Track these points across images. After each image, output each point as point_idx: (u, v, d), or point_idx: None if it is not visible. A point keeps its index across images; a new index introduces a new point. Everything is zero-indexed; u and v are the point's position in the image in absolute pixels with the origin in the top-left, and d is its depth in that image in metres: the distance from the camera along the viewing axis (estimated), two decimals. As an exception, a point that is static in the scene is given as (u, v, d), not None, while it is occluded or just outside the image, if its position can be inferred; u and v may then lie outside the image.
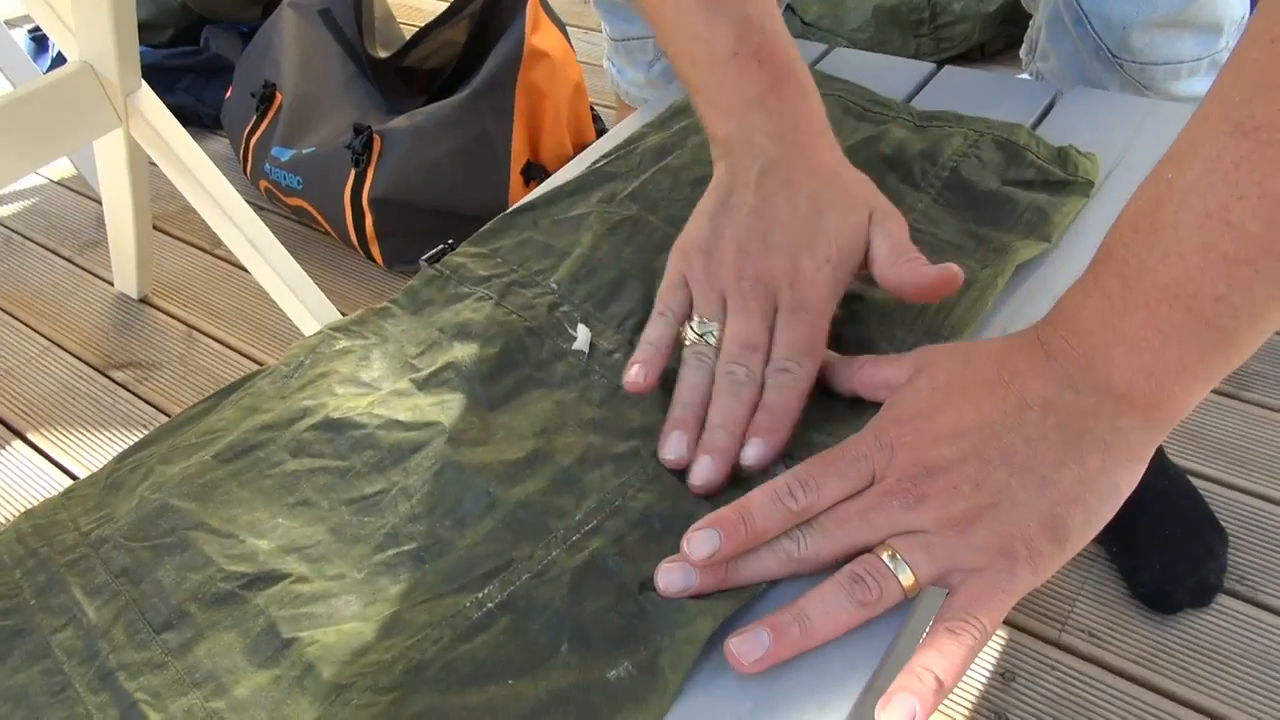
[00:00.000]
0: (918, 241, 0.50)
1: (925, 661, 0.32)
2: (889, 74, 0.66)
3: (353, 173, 1.23)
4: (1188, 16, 0.61)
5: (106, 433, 1.16)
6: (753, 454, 0.39)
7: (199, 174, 0.92)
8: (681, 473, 0.40)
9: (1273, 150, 0.29)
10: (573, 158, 1.27)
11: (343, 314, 0.98)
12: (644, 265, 0.50)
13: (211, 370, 1.24)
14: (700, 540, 0.35)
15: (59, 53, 1.80)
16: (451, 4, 1.32)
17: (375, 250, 1.27)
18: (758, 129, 0.45)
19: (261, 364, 1.23)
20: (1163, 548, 0.84)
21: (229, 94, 1.54)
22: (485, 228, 0.56)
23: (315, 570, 0.37)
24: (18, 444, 1.17)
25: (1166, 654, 0.80)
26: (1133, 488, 0.35)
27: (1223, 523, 0.88)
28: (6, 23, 1.31)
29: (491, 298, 0.50)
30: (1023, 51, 0.77)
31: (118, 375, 1.25)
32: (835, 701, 0.32)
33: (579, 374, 0.45)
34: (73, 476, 1.11)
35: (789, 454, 0.40)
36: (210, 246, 1.45)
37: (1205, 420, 1.00)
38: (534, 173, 1.21)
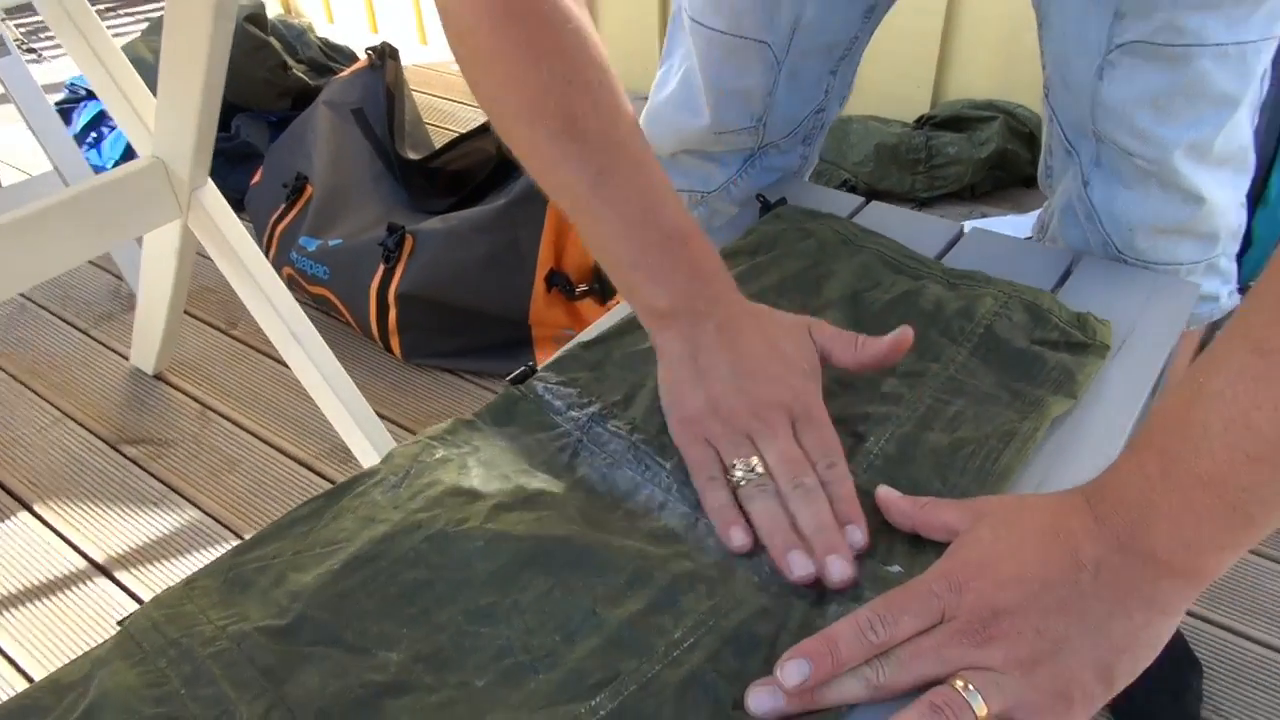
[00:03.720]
0: (957, 389, 0.56)
1: None
2: (920, 230, 0.74)
3: (382, 267, 1.28)
4: (1190, 226, 0.69)
5: (117, 508, 1.17)
6: (857, 538, 0.46)
7: (251, 267, 0.96)
8: (763, 593, 0.44)
9: None
10: (594, 267, 1.34)
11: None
12: None
13: (224, 450, 1.26)
14: (793, 669, 0.39)
15: (83, 127, 1.85)
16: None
17: (395, 343, 1.32)
18: (698, 296, 0.52)
19: (274, 446, 1.25)
20: (1145, 678, 0.89)
21: (256, 180, 1.60)
22: (562, 354, 0.61)
23: (439, 679, 0.41)
24: (24, 515, 1.18)
25: (1156, 783, 0.84)
26: (1170, 636, 0.40)
27: (1197, 655, 0.93)
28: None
29: (575, 431, 0.54)
30: (1034, 229, 0.85)
31: (129, 450, 1.27)
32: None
33: (659, 505, 0.50)
34: (80, 552, 1.12)
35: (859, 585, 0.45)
36: (226, 327, 1.49)
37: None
38: (556, 280, 1.28)
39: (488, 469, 0.51)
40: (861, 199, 0.79)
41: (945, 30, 1.76)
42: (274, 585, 0.44)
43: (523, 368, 0.60)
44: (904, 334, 0.52)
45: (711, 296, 0.52)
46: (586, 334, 0.63)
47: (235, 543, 1.13)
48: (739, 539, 0.46)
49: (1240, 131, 0.67)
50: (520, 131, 0.52)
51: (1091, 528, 0.41)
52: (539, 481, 0.51)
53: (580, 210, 0.52)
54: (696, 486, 0.49)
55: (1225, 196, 0.69)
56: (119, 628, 0.43)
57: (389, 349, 1.35)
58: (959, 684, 0.39)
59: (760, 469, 0.48)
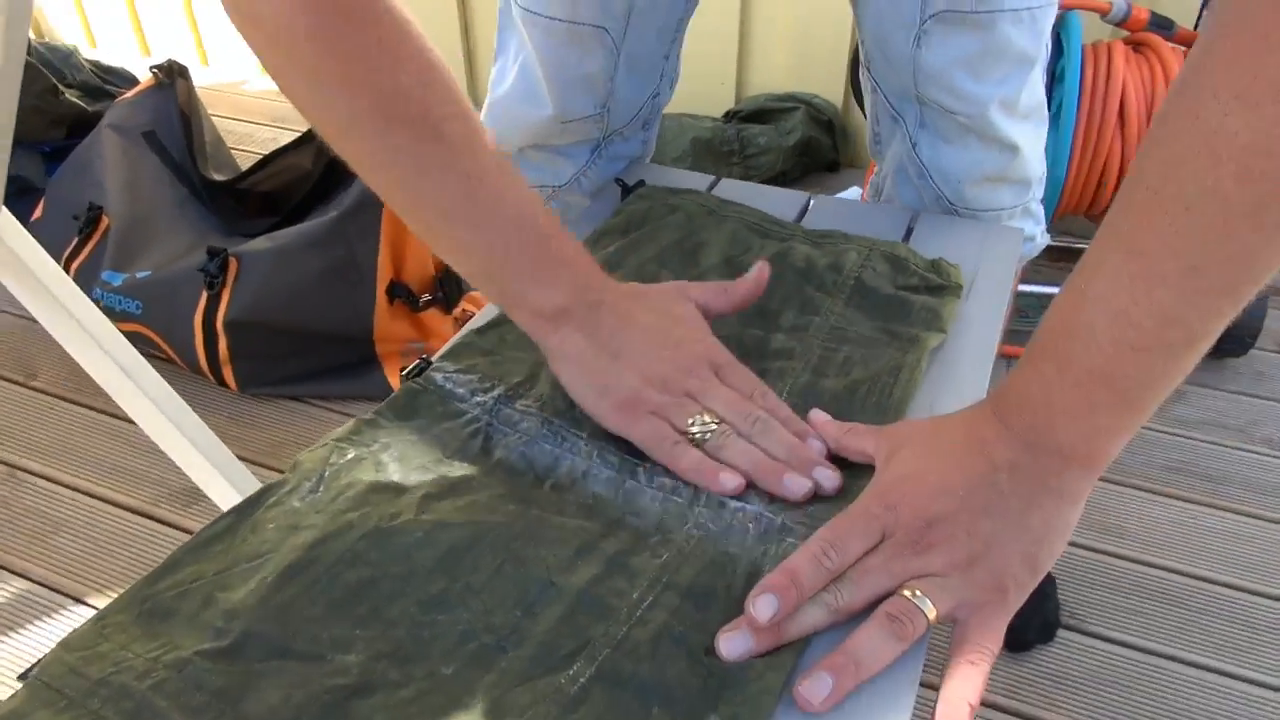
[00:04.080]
0: (841, 337, 0.60)
1: (959, 693, 0.39)
2: (772, 202, 0.77)
3: (205, 295, 1.19)
4: (1007, 174, 0.77)
5: (-81, 592, 1.03)
6: (818, 445, 0.50)
7: (64, 299, 0.87)
8: (710, 546, 0.45)
9: (1155, 268, 0.39)
10: (436, 276, 1.31)
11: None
12: None
13: (44, 511, 1.13)
14: (763, 604, 0.40)
15: None
16: (306, 132, 1.34)
17: (228, 374, 1.23)
18: (586, 288, 0.52)
19: (102, 498, 1.14)
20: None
21: (37, 215, 1.45)
22: (456, 343, 0.60)
23: (405, 674, 0.39)
24: None
25: (1029, 685, 0.92)
26: (1077, 521, 0.45)
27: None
28: None
29: (483, 415, 0.53)
30: (868, 194, 0.91)
31: (-77, 526, 1.11)
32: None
33: (582, 474, 0.50)
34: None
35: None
36: (25, 379, 1.34)
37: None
38: (399, 292, 1.24)
39: (404, 463, 0.50)
40: (713, 177, 0.82)
41: (741, 30, 1.85)
42: (202, 608, 0.41)
43: (417, 361, 0.58)
44: (762, 269, 0.57)
45: (598, 286, 0.53)
46: (476, 321, 0.62)
47: (77, 609, 1.02)
48: (733, 481, 0.48)
49: (1038, 88, 0.76)
50: (369, 141, 0.48)
51: (1001, 432, 0.45)
52: (459, 469, 0.50)
53: (450, 219, 0.50)
54: (660, 458, 0.49)
55: (1032, 146, 0.77)
56: (22, 681, 0.38)
57: (222, 381, 1.26)
58: (908, 593, 0.42)
59: (714, 421, 0.50)
